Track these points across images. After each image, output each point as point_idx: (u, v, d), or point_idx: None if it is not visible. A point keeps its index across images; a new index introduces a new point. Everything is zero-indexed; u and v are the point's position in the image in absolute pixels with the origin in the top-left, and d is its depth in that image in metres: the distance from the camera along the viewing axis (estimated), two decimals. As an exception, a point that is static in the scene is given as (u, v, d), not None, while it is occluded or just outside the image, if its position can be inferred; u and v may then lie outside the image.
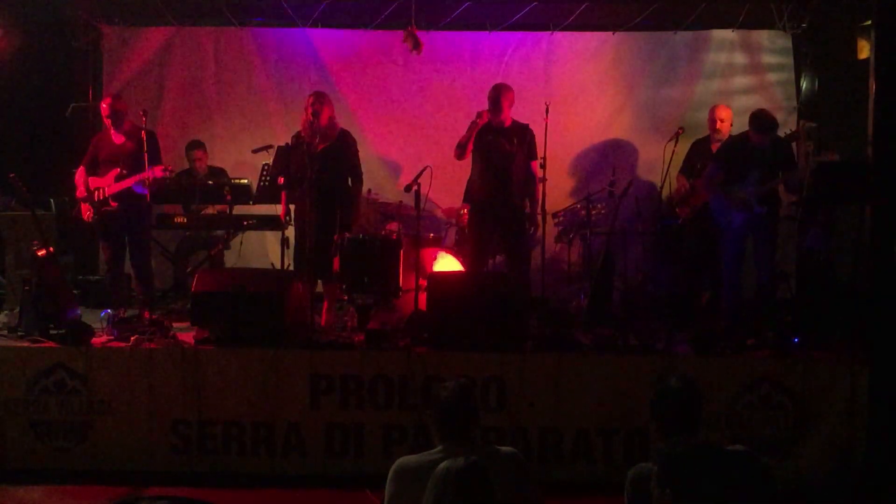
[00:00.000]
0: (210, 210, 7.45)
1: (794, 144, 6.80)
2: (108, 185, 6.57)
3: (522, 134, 6.58)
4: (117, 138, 6.64)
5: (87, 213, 6.68)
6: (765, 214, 6.37)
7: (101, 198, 6.59)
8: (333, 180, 6.34)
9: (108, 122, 6.63)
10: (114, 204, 6.55)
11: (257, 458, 5.31)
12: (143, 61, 8.17)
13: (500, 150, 6.53)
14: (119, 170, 6.50)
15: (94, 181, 6.64)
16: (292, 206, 6.53)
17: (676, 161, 6.71)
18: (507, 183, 6.54)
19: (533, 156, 6.59)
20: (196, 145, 7.76)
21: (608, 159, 7.94)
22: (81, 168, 6.72)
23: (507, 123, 6.58)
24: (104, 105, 6.66)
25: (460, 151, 6.60)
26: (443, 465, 2.62)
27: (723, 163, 6.55)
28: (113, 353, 5.38)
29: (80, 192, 6.66)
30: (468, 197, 6.95)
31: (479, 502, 2.55)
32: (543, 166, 6.54)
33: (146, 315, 6.02)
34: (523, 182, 6.59)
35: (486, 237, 6.70)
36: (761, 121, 6.30)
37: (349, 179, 6.53)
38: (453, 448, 3.10)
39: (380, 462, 4.91)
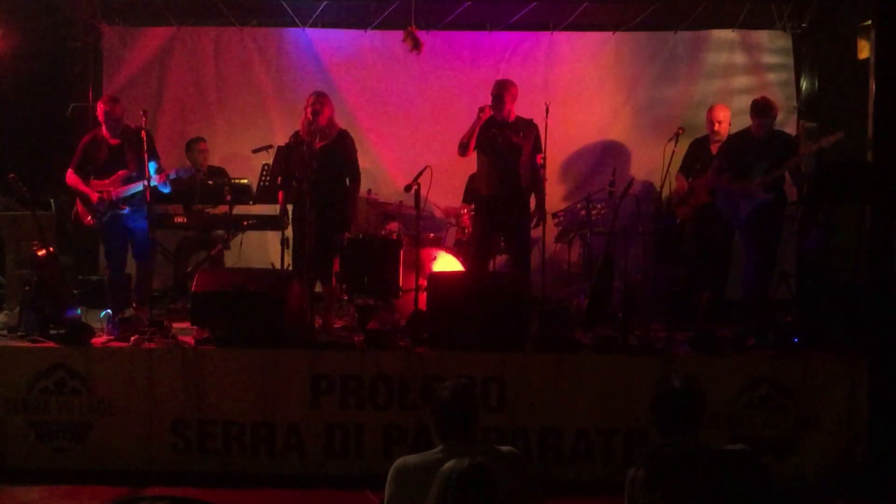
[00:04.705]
0: (210, 210, 7.44)
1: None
2: (114, 187, 6.53)
3: (528, 128, 6.56)
4: (113, 140, 6.59)
5: (87, 217, 6.62)
6: (772, 202, 6.38)
7: (109, 199, 6.54)
8: (332, 180, 6.33)
9: (105, 124, 6.56)
10: (124, 207, 6.53)
11: (257, 458, 5.31)
12: (143, 61, 8.16)
13: (507, 142, 6.51)
14: (126, 171, 6.48)
15: (96, 184, 6.59)
16: (290, 206, 6.52)
17: (676, 161, 6.71)
18: (515, 178, 6.50)
19: (538, 149, 6.56)
20: (197, 139, 7.76)
21: (608, 159, 7.93)
22: (71, 171, 6.63)
23: (511, 119, 6.57)
24: (104, 107, 6.57)
25: (463, 148, 6.55)
26: (447, 465, 2.61)
27: (728, 159, 6.58)
28: (113, 353, 5.37)
29: (93, 196, 6.56)
30: (469, 196, 6.90)
31: (483, 503, 2.55)
32: (544, 166, 6.53)
33: (146, 315, 6.01)
34: (530, 177, 6.57)
35: (491, 235, 6.67)
36: (760, 105, 6.39)
37: (347, 179, 6.53)
38: (454, 448, 3.10)
39: (380, 462, 4.93)
